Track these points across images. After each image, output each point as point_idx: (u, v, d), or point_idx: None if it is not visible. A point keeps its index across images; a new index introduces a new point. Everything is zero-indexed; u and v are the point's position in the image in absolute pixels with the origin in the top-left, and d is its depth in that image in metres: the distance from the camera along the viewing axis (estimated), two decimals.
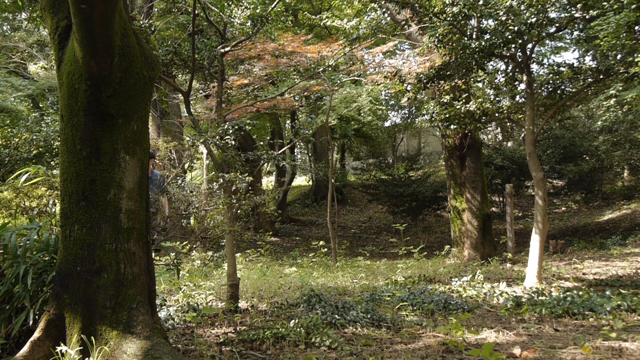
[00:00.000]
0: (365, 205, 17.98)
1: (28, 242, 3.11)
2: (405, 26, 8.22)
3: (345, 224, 15.89)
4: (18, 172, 4.47)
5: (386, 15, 10.18)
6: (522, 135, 5.73)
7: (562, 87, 5.59)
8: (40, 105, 14.91)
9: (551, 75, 5.59)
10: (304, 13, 15.16)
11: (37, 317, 2.89)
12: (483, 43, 5.02)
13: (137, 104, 2.86)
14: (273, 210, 12.46)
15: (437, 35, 5.55)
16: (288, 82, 8.60)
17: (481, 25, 6.28)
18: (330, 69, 8.38)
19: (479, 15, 5.54)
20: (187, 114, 5.26)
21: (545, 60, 5.71)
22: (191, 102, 6.58)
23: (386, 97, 20.84)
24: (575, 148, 13.15)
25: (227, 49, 4.98)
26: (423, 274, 6.45)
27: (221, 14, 5.17)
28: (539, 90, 5.83)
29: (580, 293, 4.44)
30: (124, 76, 2.73)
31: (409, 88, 6.40)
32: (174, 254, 5.61)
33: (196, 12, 4.90)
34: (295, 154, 21.33)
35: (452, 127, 6.19)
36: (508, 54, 5.43)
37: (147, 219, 2.93)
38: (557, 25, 5.31)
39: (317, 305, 4.17)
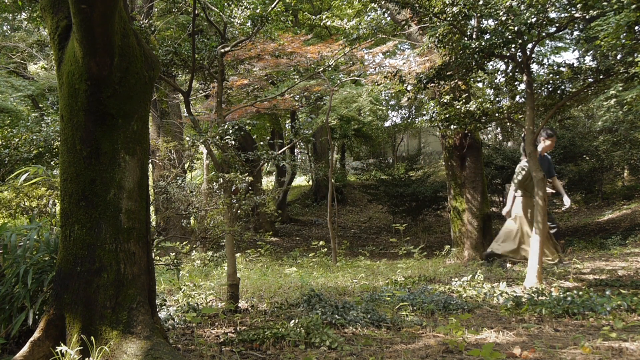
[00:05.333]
0: (365, 205, 17.99)
1: (28, 242, 3.11)
2: (405, 26, 8.22)
3: (345, 224, 15.90)
4: (17, 171, 4.48)
5: (386, 15, 10.18)
6: (522, 135, 5.73)
7: (562, 87, 5.58)
8: (40, 105, 14.91)
9: (551, 75, 5.58)
10: (304, 13, 15.17)
11: (37, 317, 2.89)
12: (483, 43, 5.01)
13: (137, 104, 2.87)
14: (273, 210, 12.49)
15: (437, 35, 5.54)
16: (288, 82, 8.60)
17: (481, 25, 6.27)
18: (330, 69, 8.39)
19: (479, 15, 5.54)
20: (187, 114, 5.26)
21: (545, 60, 5.70)
22: (191, 102, 6.58)
23: (386, 97, 20.87)
24: (575, 148, 13.13)
25: (227, 49, 4.98)
26: (423, 274, 6.45)
27: (221, 14, 5.17)
28: (539, 90, 5.82)
29: (580, 293, 4.44)
30: (124, 76, 2.73)
31: (409, 88, 6.39)
32: (174, 254, 5.61)
33: (196, 12, 4.90)
34: (295, 154, 21.34)
35: (452, 127, 6.18)
36: (508, 54, 5.43)
37: (147, 219, 2.93)
38: (557, 25, 5.31)
39: (317, 305, 4.17)
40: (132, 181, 2.81)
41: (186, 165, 11.08)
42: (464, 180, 8.38)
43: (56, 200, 4.50)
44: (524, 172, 6.16)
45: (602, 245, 8.75)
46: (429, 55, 7.89)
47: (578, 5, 4.78)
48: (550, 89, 5.68)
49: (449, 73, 5.67)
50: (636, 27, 4.42)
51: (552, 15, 5.20)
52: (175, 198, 5.05)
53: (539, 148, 6.24)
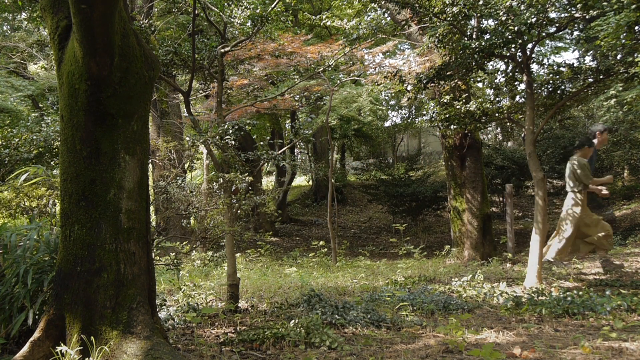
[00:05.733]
0: (365, 205, 17.98)
1: (28, 242, 3.11)
2: (405, 26, 8.22)
3: (345, 224, 15.89)
4: (18, 172, 4.47)
5: (386, 15, 10.18)
6: (522, 135, 5.72)
7: (562, 87, 5.58)
8: (40, 105, 14.91)
9: (551, 75, 5.58)
10: (304, 13, 15.17)
11: (37, 317, 2.89)
12: (483, 43, 5.01)
13: (137, 104, 2.86)
14: (273, 210, 12.49)
15: (437, 35, 5.55)
16: (288, 82, 8.60)
17: (481, 25, 6.28)
18: (330, 69, 8.39)
19: (479, 15, 5.54)
20: (187, 114, 5.26)
21: (545, 60, 5.70)
22: (191, 102, 6.58)
23: (386, 97, 20.87)
24: None
25: (227, 49, 4.98)
26: (423, 274, 6.45)
27: (221, 14, 5.17)
28: (539, 90, 5.82)
29: (580, 293, 4.44)
30: (124, 76, 2.73)
31: (409, 88, 6.39)
32: (174, 254, 5.61)
33: (196, 12, 4.90)
34: (295, 154, 21.34)
35: (452, 127, 6.18)
36: (508, 54, 5.43)
37: (147, 219, 2.93)
38: (557, 25, 5.31)
39: (317, 305, 4.17)
40: (132, 181, 2.81)
41: (186, 165, 11.07)
42: (464, 180, 8.38)
43: (56, 200, 4.50)
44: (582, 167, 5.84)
45: None
46: (429, 55, 7.89)
47: (578, 5, 4.78)
48: (550, 89, 5.68)
49: (449, 73, 5.67)
50: (636, 27, 4.42)
51: (552, 15, 5.20)
52: (175, 198, 5.04)
53: (595, 142, 6.08)
